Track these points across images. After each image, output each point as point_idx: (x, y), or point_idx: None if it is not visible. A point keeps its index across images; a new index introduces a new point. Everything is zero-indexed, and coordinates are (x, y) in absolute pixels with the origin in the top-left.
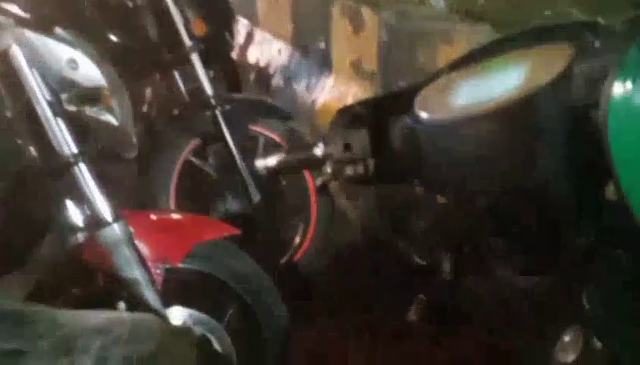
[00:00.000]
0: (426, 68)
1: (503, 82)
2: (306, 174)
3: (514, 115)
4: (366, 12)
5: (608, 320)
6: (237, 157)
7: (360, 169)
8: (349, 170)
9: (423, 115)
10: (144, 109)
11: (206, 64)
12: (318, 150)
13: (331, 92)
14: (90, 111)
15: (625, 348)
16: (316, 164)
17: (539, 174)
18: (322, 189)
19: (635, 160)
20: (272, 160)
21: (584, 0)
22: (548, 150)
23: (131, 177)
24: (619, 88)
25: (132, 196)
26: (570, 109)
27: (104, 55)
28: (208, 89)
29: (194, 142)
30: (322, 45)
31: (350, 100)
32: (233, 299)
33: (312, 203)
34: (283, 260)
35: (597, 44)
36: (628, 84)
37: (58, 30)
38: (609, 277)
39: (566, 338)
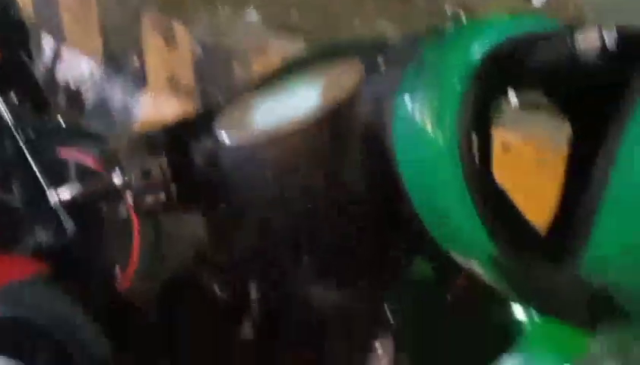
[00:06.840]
0: (243, 82)
1: (300, 102)
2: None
3: (311, 135)
4: (178, 27)
5: (407, 334)
6: (46, 186)
7: (162, 196)
8: (149, 199)
9: (224, 137)
10: None
11: (4, 90)
12: (116, 180)
13: (149, 109)
14: None
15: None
16: (115, 194)
17: (343, 189)
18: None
19: (421, 182)
20: (64, 193)
21: (390, 10)
22: (349, 167)
23: None
24: (400, 108)
25: None
26: (363, 128)
27: None
28: (8, 117)
29: None
30: (136, 61)
31: (169, 116)
32: (46, 341)
33: (134, 226)
34: (106, 291)
35: (383, 64)
36: (407, 102)
37: None
38: (406, 290)
39: (379, 350)
